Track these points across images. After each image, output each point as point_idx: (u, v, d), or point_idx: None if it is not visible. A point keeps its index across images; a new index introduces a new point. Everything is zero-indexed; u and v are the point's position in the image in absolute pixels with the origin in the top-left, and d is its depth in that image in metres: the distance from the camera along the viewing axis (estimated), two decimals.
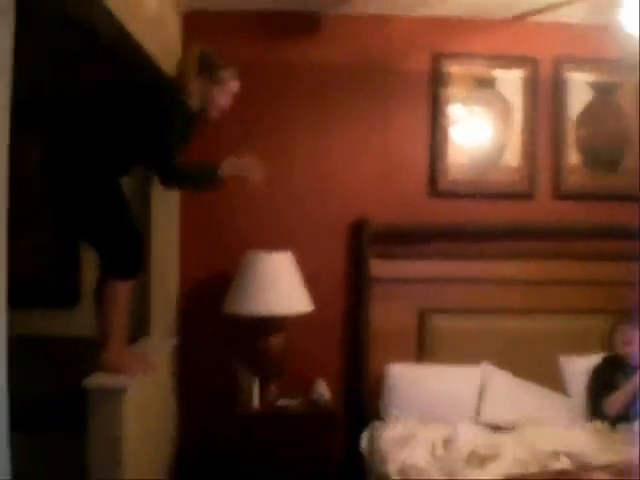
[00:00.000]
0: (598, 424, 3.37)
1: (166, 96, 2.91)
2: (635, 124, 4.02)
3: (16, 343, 1.91)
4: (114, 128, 2.82)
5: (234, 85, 3.12)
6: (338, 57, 3.91)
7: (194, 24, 3.78)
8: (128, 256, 2.91)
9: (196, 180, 3.08)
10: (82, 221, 2.86)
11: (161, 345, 3.69)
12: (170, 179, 2.98)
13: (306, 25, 3.87)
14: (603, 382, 3.52)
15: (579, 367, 3.72)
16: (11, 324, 1.79)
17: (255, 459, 3.46)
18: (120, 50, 3.03)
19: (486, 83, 3.99)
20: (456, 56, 3.96)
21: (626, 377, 3.41)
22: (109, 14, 2.51)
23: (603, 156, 4.06)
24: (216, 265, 3.84)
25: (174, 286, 3.86)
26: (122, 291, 2.88)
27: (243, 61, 3.09)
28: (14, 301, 1.83)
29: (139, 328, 3.71)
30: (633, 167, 4.03)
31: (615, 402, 3.38)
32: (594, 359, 3.68)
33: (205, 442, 3.81)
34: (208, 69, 3.03)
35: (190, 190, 3.50)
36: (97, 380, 2.73)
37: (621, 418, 3.33)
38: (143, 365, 3.02)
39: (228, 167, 3.04)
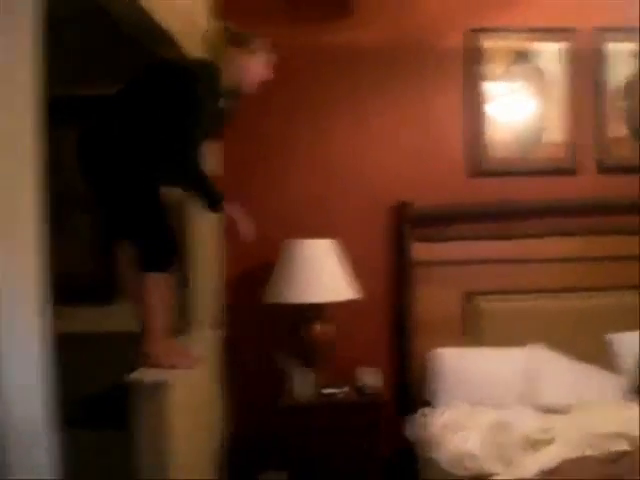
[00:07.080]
0: None
1: (203, 77, 2.78)
2: None
3: (61, 341, 1.90)
4: (149, 120, 2.76)
5: (270, 57, 3.00)
6: (371, 36, 3.85)
7: (223, 9, 3.72)
8: (160, 247, 2.85)
9: (207, 189, 2.85)
10: (118, 216, 2.83)
11: (206, 338, 3.67)
12: (188, 172, 2.78)
13: (338, 4, 3.80)
14: None
15: (629, 344, 3.62)
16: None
17: (303, 449, 3.44)
18: (149, 42, 3.01)
19: (524, 57, 3.90)
20: (492, 30, 3.87)
21: None
22: (137, 5, 2.50)
23: None
24: (257, 255, 3.79)
25: (217, 278, 3.83)
26: (161, 283, 2.82)
27: (274, 43, 3.03)
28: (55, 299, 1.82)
29: (184, 321, 3.70)
30: None
31: None
32: None
33: (253, 433, 3.79)
34: (237, 41, 2.91)
35: (195, 193, 2.95)
36: (140, 375, 2.69)
37: None
38: (188, 359, 2.99)
39: (229, 208, 2.92)
